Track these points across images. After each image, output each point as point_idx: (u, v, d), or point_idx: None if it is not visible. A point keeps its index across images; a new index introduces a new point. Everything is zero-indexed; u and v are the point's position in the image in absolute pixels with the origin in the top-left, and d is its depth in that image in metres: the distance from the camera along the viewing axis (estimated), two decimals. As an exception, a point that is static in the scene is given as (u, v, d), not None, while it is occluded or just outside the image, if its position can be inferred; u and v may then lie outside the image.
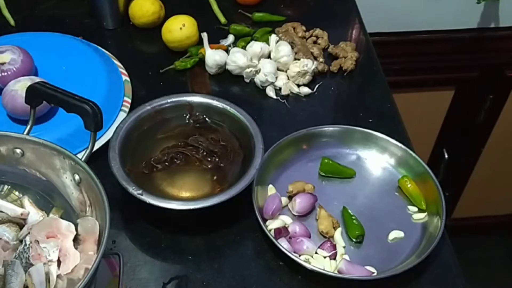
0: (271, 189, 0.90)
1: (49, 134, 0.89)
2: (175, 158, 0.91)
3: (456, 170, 1.81)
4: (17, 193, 0.78)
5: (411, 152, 0.94)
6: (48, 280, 0.67)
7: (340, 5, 1.29)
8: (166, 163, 0.90)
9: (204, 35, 1.10)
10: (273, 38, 1.13)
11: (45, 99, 0.78)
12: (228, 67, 1.10)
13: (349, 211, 0.88)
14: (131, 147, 0.90)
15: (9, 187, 0.78)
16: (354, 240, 0.86)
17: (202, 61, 1.11)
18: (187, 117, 0.96)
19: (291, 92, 1.08)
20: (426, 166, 0.92)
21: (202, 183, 0.89)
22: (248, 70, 1.08)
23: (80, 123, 0.75)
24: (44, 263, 0.68)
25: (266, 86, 1.08)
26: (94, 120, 0.75)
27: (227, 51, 1.12)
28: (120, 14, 1.20)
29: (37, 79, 0.95)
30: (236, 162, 0.91)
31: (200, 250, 0.85)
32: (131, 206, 0.86)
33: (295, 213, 0.88)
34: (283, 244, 0.82)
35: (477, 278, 1.96)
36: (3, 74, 0.98)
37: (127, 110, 1.01)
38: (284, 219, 0.87)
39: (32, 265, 0.68)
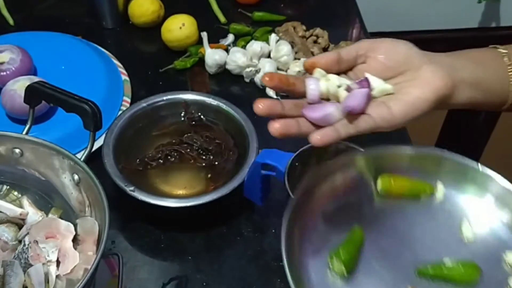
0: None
1: (48, 134, 0.89)
2: (169, 155, 0.90)
3: (456, 170, 1.81)
4: (16, 193, 0.78)
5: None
6: (47, 280, 0.67)
7: (340, 4, 1.29)
8: (160, 161, 0.90)
9: (204, 35, 1.09)
10: (273, 37, 1.13)
11: (44, 99, 0.78)
12: (228, 66, 1.09)
13: None
14: (125, 144, 0.90)
15: (8, 187, 0.78)
16: None
17: (201, 60, 1.11)
18: (183, 114, 0.96)
19: (291, 92, 1.07)
20: None
21: (196, 181, 0.89)
22: (248, 69, 1.08)
23: (79, 122, 0.75)
24: (43, 264, 0.68)
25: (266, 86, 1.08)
26: (93, 120, 0.74)
27: (227, 50, 1.12)
28: (120, 13, 1.19)
29: (36, 79, 0.95)
30: (230, 160, 0.90)
31: (200, 250, 0.85)
32: (130, 207, 0.86)
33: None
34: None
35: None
36: (2, 73, 0.98)
37: (126, 109, 1.00)
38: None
39: (31, 265, 0.68)
